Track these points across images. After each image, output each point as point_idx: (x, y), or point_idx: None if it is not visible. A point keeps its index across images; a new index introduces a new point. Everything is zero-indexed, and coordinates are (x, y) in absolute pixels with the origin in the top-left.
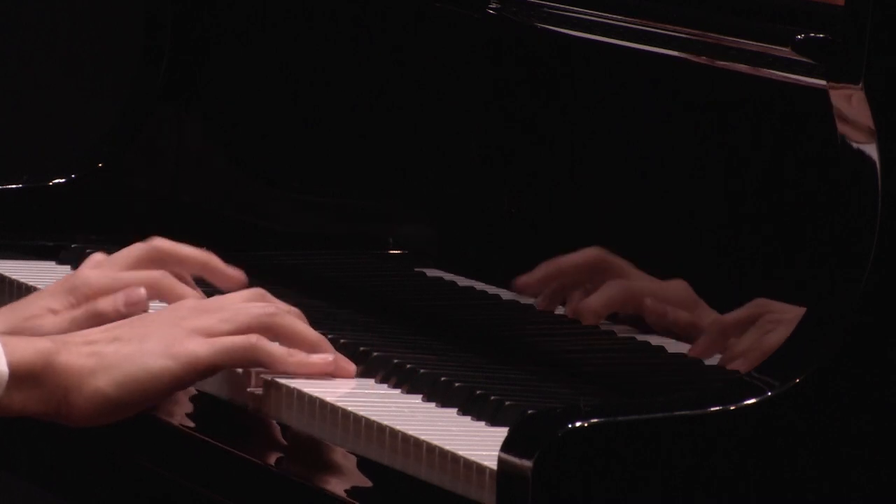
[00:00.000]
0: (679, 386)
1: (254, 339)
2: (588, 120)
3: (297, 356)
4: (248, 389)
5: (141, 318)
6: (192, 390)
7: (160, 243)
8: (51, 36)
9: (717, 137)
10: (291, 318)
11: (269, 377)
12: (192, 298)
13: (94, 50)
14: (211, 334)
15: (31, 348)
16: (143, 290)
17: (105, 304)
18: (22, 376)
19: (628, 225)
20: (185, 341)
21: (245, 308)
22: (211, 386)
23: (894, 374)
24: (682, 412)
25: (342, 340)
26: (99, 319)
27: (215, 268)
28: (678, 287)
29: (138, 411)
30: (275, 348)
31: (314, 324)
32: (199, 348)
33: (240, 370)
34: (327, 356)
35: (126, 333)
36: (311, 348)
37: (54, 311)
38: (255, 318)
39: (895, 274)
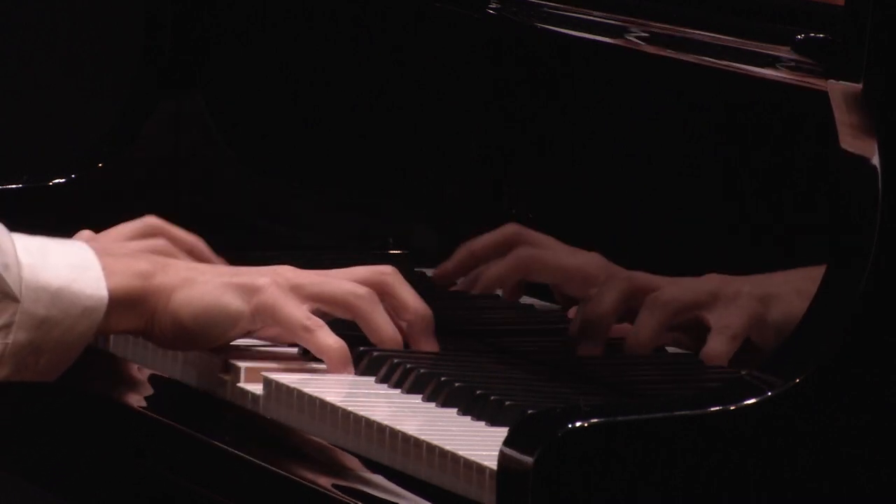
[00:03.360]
0: (679, 386)
1: (304, 320)
2: (588, 120)
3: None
4: (245, 387)
5: (248, 267)
6: (195, 390)
7: (153, 220)
8: (51, 36)
9: (717, 137)
10: (377, 309)
11: (268, 374)
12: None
13: (94, 50)
14: (299, 292)
15: (129, 271)
16: None
17: None
18: (119, 299)
19: (628, 224)
20: (267, 289)
21: (340, 285)
22: (212, 385)
23: (894, 374)
24: (682, 412)
25: None
26: None
27: (203, 252)
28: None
29: (217, 345)
30: (321, 340)
31: None
32: (267, 298)
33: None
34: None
35: (224, 269)
36: (380, 342)
37: None
38: (345, 297)
39: (895, 274)
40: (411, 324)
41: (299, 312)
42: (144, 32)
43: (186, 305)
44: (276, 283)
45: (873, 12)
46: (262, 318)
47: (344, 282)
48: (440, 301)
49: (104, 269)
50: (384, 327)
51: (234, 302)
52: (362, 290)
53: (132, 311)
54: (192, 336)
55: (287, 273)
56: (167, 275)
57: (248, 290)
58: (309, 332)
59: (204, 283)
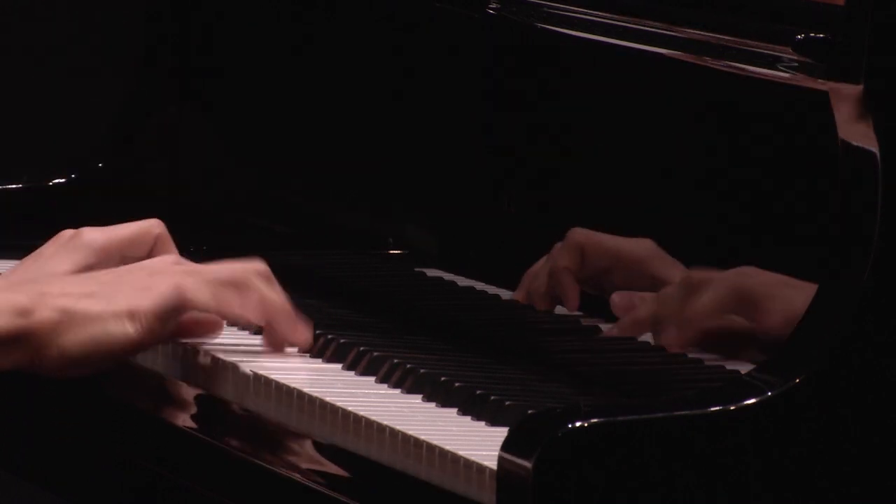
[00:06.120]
0: (679, 386)
1: (186, 286)
2: (588, 120)
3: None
4: (231, 381)
5: (118, 272)
6: (203, 391)
7: (155, 227)
8: (51, 36)
9: (717, 137)
10: (261, 286)
11: (265, 374)
12: (173, 256)
13: (94, 50)
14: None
15: (9, 309)
16: None
17: None
18: (5, 339)
19: (627, 224)
20: (145, 305)
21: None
22: (215, 387)
23: (894, 374)
24: (683, 412)
25: (342, 340)
26: None
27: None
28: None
29: (107, 367)
30: (209, 301)
31: (314, 324)
32: (146, 302)
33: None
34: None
35: (99, 290)
36: (273, 318)
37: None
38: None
39: (895, 274)
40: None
41: (169, 289)
42: (144, 32)
43: (73, 342)
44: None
45: (873, 12)
46: (153, 320)
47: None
48: (440, 301)
49: None
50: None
51: (121, 329)
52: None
53: (16, 349)
54: (83, 366)
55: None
56: (45, 308)
57: (131, 315)
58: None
59: (84, 314)
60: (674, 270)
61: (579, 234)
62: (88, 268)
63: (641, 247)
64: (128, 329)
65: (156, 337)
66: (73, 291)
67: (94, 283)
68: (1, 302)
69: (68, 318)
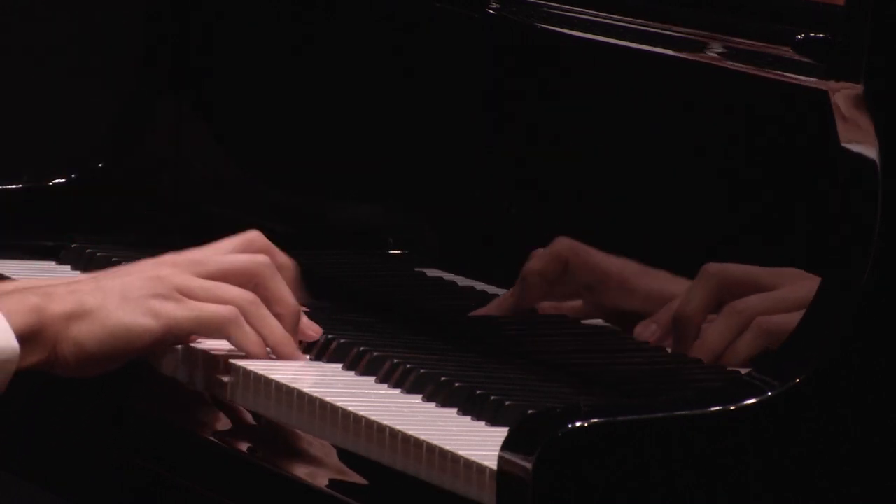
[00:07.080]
0: (679, 386)
1: (233, 314)
2: (588, 120)
3: (263, 349)
4: (231, 381)
5: (125, 269)
6: (202, 391)
7: (256, 236)
8: (51, 36)
9: (717, 137)
10: (266, 312)
11: (265, 374)
12: (175, 253)
13: (94, 49)
14: (190, 297)
15: (24, 308)
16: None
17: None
18: (24, 338)
19: (627, 224)
20: (166, 302)
21: (229, 288)
22: (214, 387)
23: (894, 374)
24: (683, 412)
25: (342, 340)
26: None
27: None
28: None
29: (121, 364)
30: (248, 334)
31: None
32: (180, 312)
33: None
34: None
35: (109, 284)
36: (275, 344)
37: None
38: (235, 300)
39: (895, 274)
40: (281, 318)
41: (222, 310)
42: (144, 32)
43: (88, 335)
44: (177, 292)
45: (873, 12)
46: (180, 331)
47: (233, 288)
48: (440, 301)
49: (5, 316)
50: (277, 332)
51: (140, 324)
52: (251, 295)
53: (35, 346)
54: (101, 360)
55: (174, 279)
56: (56, 302)
57: (151, 312)
58: (239, 325)
59: (99, 306)
60: (663, 283)
61: (565, 244)
62: None
63: (628, 267)
64: (148, 323)
65: (174, 336)
66: (82, 288)
67: (103, 279)
68: (14, 302)
69: (81, 310)
